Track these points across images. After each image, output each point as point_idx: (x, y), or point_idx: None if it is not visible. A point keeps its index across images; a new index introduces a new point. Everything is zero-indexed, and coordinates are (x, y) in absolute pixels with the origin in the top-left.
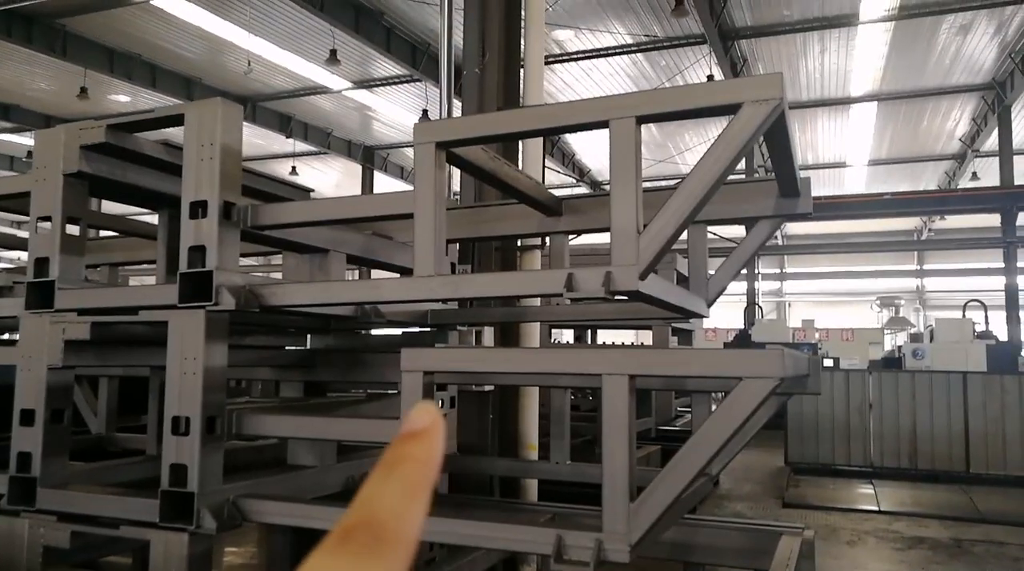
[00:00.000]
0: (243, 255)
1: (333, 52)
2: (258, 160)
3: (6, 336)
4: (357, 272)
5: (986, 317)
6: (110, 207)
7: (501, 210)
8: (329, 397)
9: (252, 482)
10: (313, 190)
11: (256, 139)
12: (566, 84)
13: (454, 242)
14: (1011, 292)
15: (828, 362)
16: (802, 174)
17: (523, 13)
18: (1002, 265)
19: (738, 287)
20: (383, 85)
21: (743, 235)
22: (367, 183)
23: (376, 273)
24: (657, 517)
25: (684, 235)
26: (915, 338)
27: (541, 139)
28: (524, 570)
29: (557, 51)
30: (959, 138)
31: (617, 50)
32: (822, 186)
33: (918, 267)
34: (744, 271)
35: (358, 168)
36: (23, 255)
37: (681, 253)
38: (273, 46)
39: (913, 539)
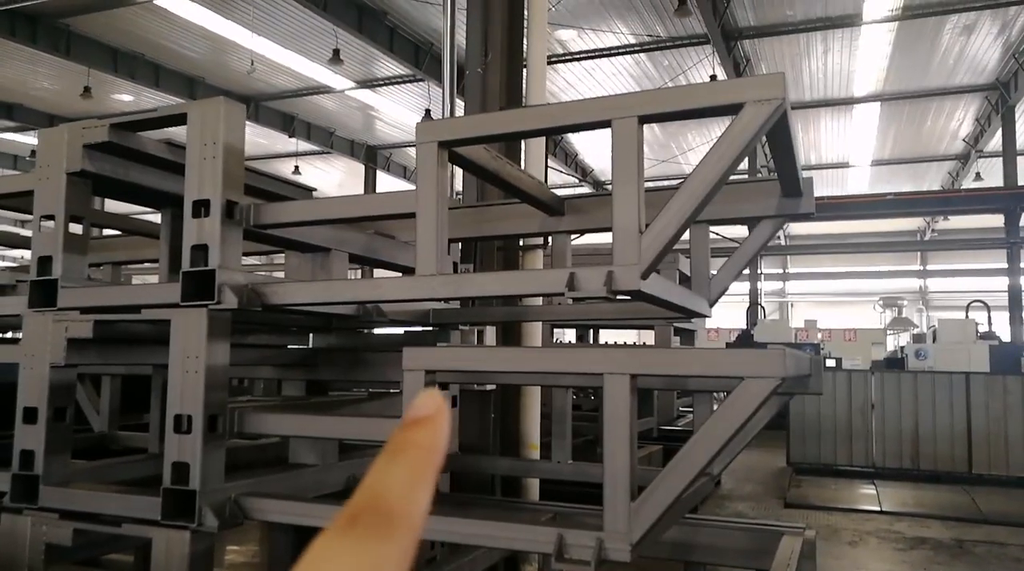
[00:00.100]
0: (245, 254)
1: (336, 52)
2: (261, 159)
3: (9, 334)
4: (359, 271)
5: (989, 318)
6: (113, 206)
7: (503, 210)
8: (331, 396)
9: (254, 480)
10: (316, 189)
11: (259, 138)
12: (569, 84)
13: (456, 241)
14: (1014, 293)
15: (830, 362)
16: (805, 174)
17: (526, 13)
18: (1005, 266)
19: (740, 287)
20: (386, 85)
21: (745, 235)
22: (370, 183)
23: (378, 272)
24: (658, 517)
25: (686, 235)
26: (918, 338)
27: (543, 139)
28: (525, 569)
29: (560, 51)
30: (962, 138)
31: (620, 50)
32: (825, 186)
33: (921, 267)
34: (746, 271)
35: (361, 168)
36: (26, 253)
37: (683, 253)
38: (276, 46)
39: (915, 540)
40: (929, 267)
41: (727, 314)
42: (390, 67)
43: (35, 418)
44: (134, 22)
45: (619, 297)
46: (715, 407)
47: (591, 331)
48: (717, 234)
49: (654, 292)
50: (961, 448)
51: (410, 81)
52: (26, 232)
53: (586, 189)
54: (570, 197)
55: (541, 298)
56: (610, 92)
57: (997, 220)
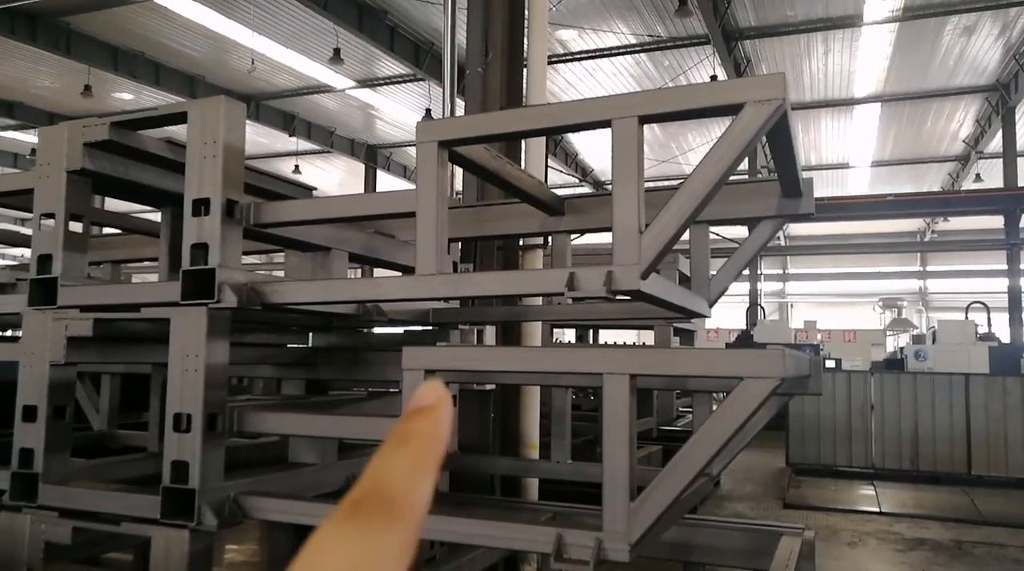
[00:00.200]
0: (245, 253)
1: (337, 51)
2: (261, 158)
3: (9, 332)
4: (359, 270)
5: (989, 319)
6: (113, 204)
7: (503, 209)
8: (330, 395)
9: (253, 479)
10: (316, 188)
11: (259, 137)
12: (569, 84)
13: (456, 241)
14: (1014, 294)
15: (830, 363)
16: (805, 174)
17: (526, 13)
18: (1005, 267)
19: (740, 287)
20: (386, 84)
21: (745, 235)
22: (370, 182)
23: (378, 271)
24: (657, 517)
25: (686, 235)
26: (917, 340)
27: (544, 138)
28: (525, 569)
29: (560, 51)
30: (963, 140)
31: (620, 50)
32: (825, 187)
33: (921, 268)
34: (746, 271)
35: (361, 167)
36: (26, 252)
37: (683, 253)
38: (277, 45)
39: (914, 541)
40: (929, 268)
41: (727, 314)
42: (390, 66)
43: (35, 416)
44: (134, 20)
45: (619, 297)
46: (714, 407)
47: (591, 331)
48: (717, 234)
49: (654, 292)
50: (960, 449)
51: (410, 80)
52: (26, 230)
53: (586, 189)
54: (570, 197)
55: (541, 298)
56: (610, 92)
57: (997, 221)
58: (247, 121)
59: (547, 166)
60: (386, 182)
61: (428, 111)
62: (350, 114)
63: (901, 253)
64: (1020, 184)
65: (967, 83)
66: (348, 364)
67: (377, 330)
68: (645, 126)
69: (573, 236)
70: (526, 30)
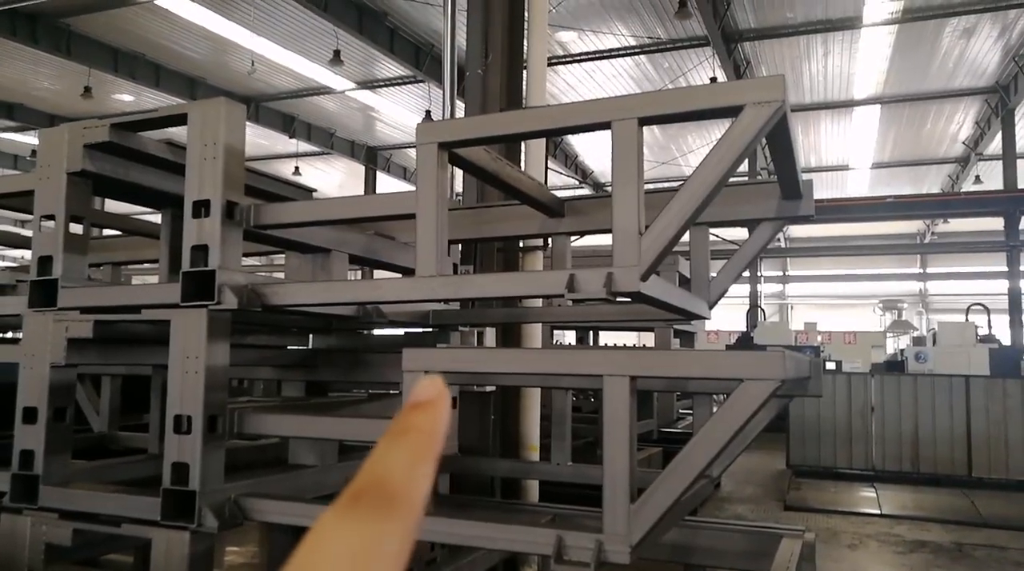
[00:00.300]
0: (245, 255)
1: (337, 53)
2: (261, 160)
3: (9, 334)
4: (359, 272)
5: (989, 321)
6: (113, 206)
7: (503, 211)
8: (330, 397)
9: (253, 481)
10: (316, 190)
11: (259, 139)
12: (569, 86)
13: (456, 243)
14: (1014, 296)
15: (830, 365)
16: (804, 176)
17: (526, 15)
18: (1005, 269)
19: (740, 289)
20: (386, 86)
21: (745, 237)
22: (370, 184)
23: (378, 273)
24: (657, 519)
25: (686, 237)
26: (918, 341)
27: (544, 140)
28: None
29: (560, 53)
30: (962, 141)
31: (620, 52)
32: (825, 189)
33: (921, 270)
34: (746, 273)
35: (361, 169)
36: (26, 253)
37: (683, 255)
38: (277, 46)
39: (915, 543)
40: (929, 270)
41: (727, 316)
42: (390, 68)
43: (35, 418)
44: (135, 22)
45: (619, 299)
46: (715, 409)
47: (591, 333)
48: (717, 236)
49: (654, 294)
50: (961, 451)
51: (410, 82)
52: (26, 232)
53: (586, 191)
54: (570, 198)
55: (541, 300)
56: (610, 94)
57: (997, 223)
58: (247, 123)
59: (547, 168)
60: (386, 184)
61: (428, 113)
62: (350, 116)
63: (901, 255)
64: (1020, 186)
65: (967, 85)
66: (348, 366)
67: (377, 332)
68: (645, 128)
69: (573, 238)
70: (526, 32)
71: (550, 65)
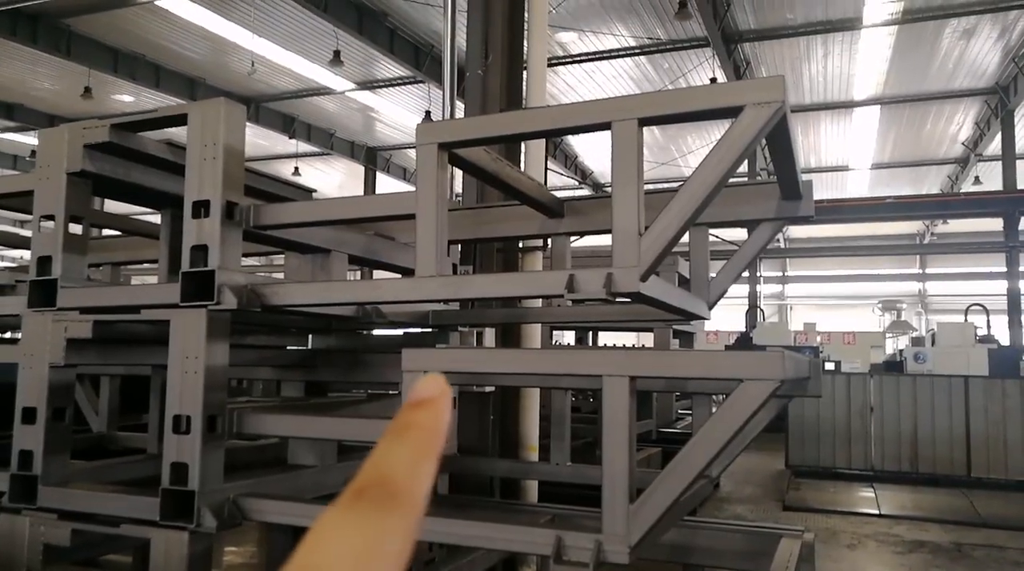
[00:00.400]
0: (245, 255)
1: (336, 53)
2: (261, 160)
3: (8, 334)
4: (359, 272)
5: (988, 321)
6: (113, 206)
7: (503, 211)
8: (330, 397)
9: (253, 481)
10: (315, 191)
11: (259, 139)
12: (569, 86)
13: (456, 243)
14: (1013, 296)
15: (830, 365)
16: (804, 177)
17: (526, 15)
18: (1004, 269)
19: (740, 290)
20: (386, 86)
21: (745, 238)
22: (370, 184)
23: (378, 274)
24: (657, 519)
25: (686, 237)
26: (917, 342)
27: (543, 141)
28: None
29: (560, 53)
30: (962, 142)
31: (620, 52)
32: (825, 189)
33: (920, 271)
34: (746, 274)
35: (361, 169)
36: (26, 254)
37: (683, 255)
38: (277, 47)
39: (914, 543)
40: (928, 270)
41: (726, 317)
42: (390, 69)
43: (34, 418)
44: (135, 23)
45: (618, 299)
46: (714, 410)
47: (590, 333)
48: (716, 237)
49: (653, 294)
50: (960, 452)
51: (410, 83)
52: (26, 232)
53: (586, 191)
54: (570, 199)
55: (540, 300)
56: (610, 94)
57: (996, 224)
58: (247, 123)
59: (547, 168)
60: (386, 184)
61: (428, 113)
62: (350, 116)
63: (900, 255)
64: (1019, 187)
65: (966, 86)
66: (348, 366)
67: (377, 332)
68: (645, 128)
69: (573, 238)
70: (526, 32)
71: (550, 66)
